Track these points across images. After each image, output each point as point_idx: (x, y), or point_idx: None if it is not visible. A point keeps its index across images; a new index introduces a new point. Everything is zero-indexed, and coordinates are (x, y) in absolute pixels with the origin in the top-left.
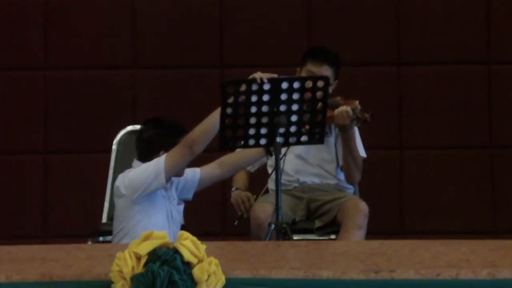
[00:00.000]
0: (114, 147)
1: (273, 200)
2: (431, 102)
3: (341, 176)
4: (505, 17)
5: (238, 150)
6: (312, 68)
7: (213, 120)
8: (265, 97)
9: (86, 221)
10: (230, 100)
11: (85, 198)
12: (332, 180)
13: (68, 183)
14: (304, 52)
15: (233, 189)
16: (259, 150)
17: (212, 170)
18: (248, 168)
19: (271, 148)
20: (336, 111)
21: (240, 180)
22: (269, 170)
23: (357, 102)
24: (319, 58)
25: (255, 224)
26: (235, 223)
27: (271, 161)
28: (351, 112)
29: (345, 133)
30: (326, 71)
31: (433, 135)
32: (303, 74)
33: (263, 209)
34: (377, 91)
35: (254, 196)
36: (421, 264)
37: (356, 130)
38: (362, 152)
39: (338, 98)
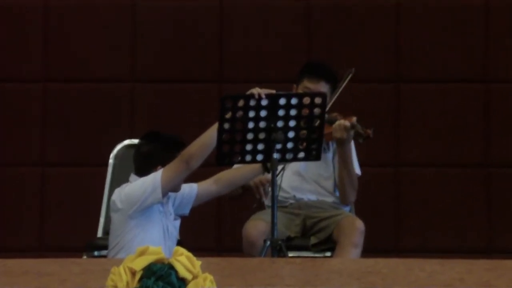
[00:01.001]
0: (111, 161)
1: (266, 218)
2: (427, 120)
3: (338, 193)
4: (503, 36)
5: (235, 165)
6: (309, 84)
7: (210, 135)
8: (263, 113)
9: (82, 235)
10: (228, 115)
11: (81, 211)
12: (329, 198)
13: (64, 196)
14: (301, 68)
15: None
16: (256, 167)
17: (209, 186)
18: (247, 185)
19: (268, 165)
20: (334, 125)
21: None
22: (266, 188)
23: (355, 118)
24: (316, 75)
25: (246, 242)
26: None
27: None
28: (348, 125)
29: (342, 147)
30: (323, 87)
31: (429, 153)
32: (300, 90)
33: (256, 226)
34: (374, 107)
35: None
36: (416, 283)
37: (352, 147)
38: (357, 170)
39: (335, 114)
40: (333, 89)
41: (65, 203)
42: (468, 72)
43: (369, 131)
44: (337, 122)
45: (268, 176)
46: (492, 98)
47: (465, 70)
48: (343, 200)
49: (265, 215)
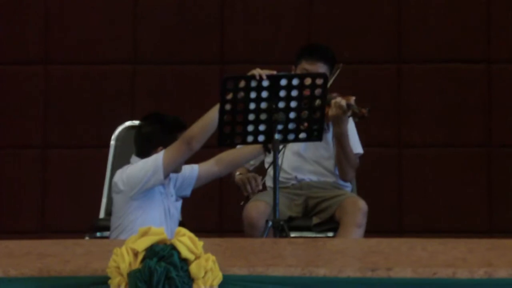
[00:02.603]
0: (112, 142)
1: (266, 198)
2: (430, 101)
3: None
4: (505, 16)
5: (236, 146)
6: (307, 66)
7: (211, 116)
8: (264, 94)
9: (84, 216)
10: (229, 96)
11: (83, 193)
12: (330, 178)
13: (66, 178)
14: (299, 50)
15: (237, 173)
16: (257, 147)
17: (210, 167)
18: (246, 166)
19: (269, 145)
20: (331, 103)
21: (243, 168)
22: (267, 167)
23: (353, 98)
24: (314, 56)
25: (247, 223)
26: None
27: (269, 158)
28: (344, 104)
29: (338, 126)
30: (321, 68)
31: (431, 134)
32: (298, 72)
33: (256, 207)
34: (376, 89)
35: (261, 177)
36: (418, 263)
37: (353, 126)
38: (358, 149)
39: (335, 95)
40: (331, 69)
41: (67, 185)
42: (470, 53)
43: (364, 111)
44: (333, 101)
45: (254, 174)
46: (495, 78)
47: (467, 51)
48: (342, 177)
49: (266, 196)
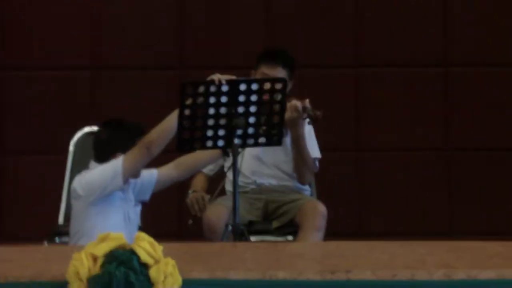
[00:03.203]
0: (71, 148)
1: (226, 203)
2: (388, 104)
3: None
4: (462, 21)
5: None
6: (266, 70)
7: (171, 121)
8: (223, 99)
9: (42, 223)
10: (188, 101)
11: (41, 199)
12: (289, 182)
13: (24, 184)
14: (258, 54)
15: (190, 191)
16: (216, 151)
17: (169, 171)
18: (206, 172)
19: (228, 149)
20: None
21: (198, 183)
22: (228, 172)
23: (307, 100)
24: (273, 61)
25: (207, 227)
26: (189, 223)
27: (228, 163)
28: (299, 106)
29: (294, 130)
30: (280, 73)
31: (390, 137)
32: (258, 76)
33: (216, 212)
34: (335, 92)
35: (209, 196)
36: (377, 265)
37: (311, 130)
38: (316, 153)
39: (292, 98)
40: (291, 73)
41: (25, 191)
42: (427, 56)
43: (319, 113)
44: (289, 104)
45: (203, 193)
46: (452, 82)
47: (425, 55)
48: (299, 180)
49: (226, 200)
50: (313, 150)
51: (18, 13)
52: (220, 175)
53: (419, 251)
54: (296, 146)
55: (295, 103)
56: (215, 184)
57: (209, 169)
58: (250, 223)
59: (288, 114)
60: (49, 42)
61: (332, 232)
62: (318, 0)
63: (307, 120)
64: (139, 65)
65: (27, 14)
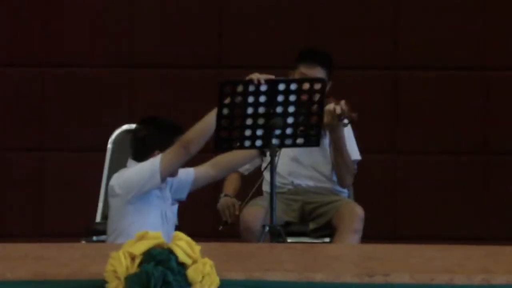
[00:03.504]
0: (109, 145)
1: (263, 203)
2: (426, 107)
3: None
4: (506, 24)
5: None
6: (305, 70)
7: (209, 120)
8: (262, 99)
9: (80, 220)
10: (227, 100)
11: (79, 197)
12: (327, 184)
13: (62, 182)
14: (297, 54)
15: (221, 195)
16: (253, 151)
17: (206, 171)
18: (242, 171)
19: (265, 149)
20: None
21: (230, 185)
22: (264, 173)
23: (343, 101)
24: (311, 61)
25: (244, 227)
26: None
27: (265, 163)
28: (338, 110)
29: (333, 132)
30: (318, 72)
31: (427, 140)
32: (296, 76)
33: (252, 212)
34: (373, 94)
35: (240, 202)
36: (415, 268)
37: (350, 132)
38: (356, 155)
39: (330, 99)
40: (330, 74)
41: (63, 188)
42: (467, 60)
43: (353, 115)
44: (326, 108)
45: (234, 200)
46: (492, 85)
47: (464, 58)
48: (340, 183)
49: (263, 200)
50: (353, 152)
51: (58, 9)
52: (254, 174)
53: (457, 255)
54: (336, 148)
55: (331, 106)
56: (247, 183)
57: (245, 169)
58: (287, 223)
59: (326, 119)
60: (88, 39)
61: (369, 235)
62: (357, 0)
63: (344, 121)
64: (178, 63)
65: (67, 11)
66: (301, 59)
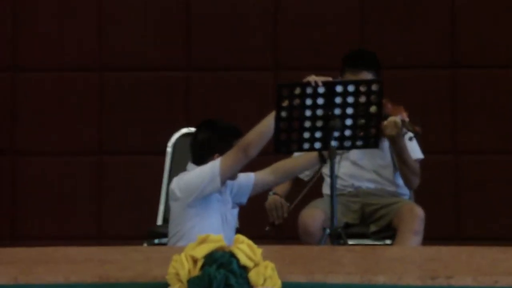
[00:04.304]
0: (168, 149)
1: (321, 206)
2: (487, 106)
3: (399, 181)
4: None
5: (294, 154)
6: (351, 77)
7: (267, 123)
8: (320, 101)
9: (140, 223)
10: (285, 103)
11: (140, 200)
12: (389, 187)
13: (123, 185)
14: (341, 59)
15: (270, 193)
16: (313, 157)
17: (266, 176)
18: (302, 177)
19: (325, 155)
20: (385, 123)
21: (280, 185)
22: (325, 177)
23: (405, 113)
24: (355, 66)
25: (302, 230)
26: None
27: (325, 169)
28: (399, 122)
29: (395, 144)
30: (365, 76)
31: (489, 139)
32: None
33: (311, 214)
34: (431, 94)
35: (288, 204)
36: (478, 271)
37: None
38: (418, 154)
39: (385, 101)
40: (377, 75)
41: (124, 191)
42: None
43: (418, 129)
44: (389, 120)
45: (283, 200)
46: None
47: None
48: (406, 184)
49: (321, 203)
50: (414, 152)
51: (112, 13)
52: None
53: None
54: (399, 157)
55: (394, 119)
56: (300, 187)
57: (305, 174)
58: (347, 225)
59: (389, 131)
60: (145, 43)
61: (429, 236)
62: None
63: (408, 135)
64: (234, 65)
65: (122, 15)
66: (346, 66)
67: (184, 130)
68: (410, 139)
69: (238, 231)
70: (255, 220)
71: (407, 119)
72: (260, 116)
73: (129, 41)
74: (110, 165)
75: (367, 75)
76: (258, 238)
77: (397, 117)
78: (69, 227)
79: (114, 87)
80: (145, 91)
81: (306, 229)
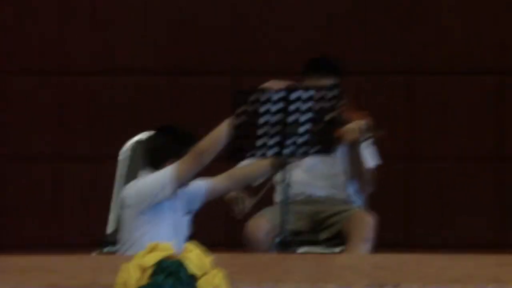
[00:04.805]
0: (120, 157)
1: (269, 215)
2: (439, 113)
3: (350, 189)
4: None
5: (242, 162)
6: (311, 83)
7: (222, 130)
8: (275, 107)
9: (89, 232)
10: (240, 109)
11: (90, 207)
12: (341, 194)
13: (74, 193)
14: (302, 65)
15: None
16: (268, 165)
17: (221, 182)
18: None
19: (279, 162)
20: (346, 127)
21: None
22: (276, 185)
23: (369, 119)
24: (317, 73)
25: (246, 240)
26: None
27: (277, 176)
28: (363, 126)
29: (353, 150)
30: (325, 82)
31: (440, 147)
32: None
33: (256, 225)
34: (385, 100)
35: (249, 200)
36: (426, 278)
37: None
38: (376, 160)
39: (348, 106)
40: (339, 79)
41: (74, 199)
42: (482, 63)
43: (382, 132)
44: (350, 124)
45: (244, 194)
46: (506, 90)
47: (480, 62)
48: (361, 190)
49: (269, 212)
50: (373, 158)
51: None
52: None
53: (468, 265)
54: (353, 165)
55: (357, 124)
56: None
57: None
58: (296, 232)
59: (349, 136)
60: (105, 48)
61: (380, 243)
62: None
63: (366, 142)
64: (190, 70)
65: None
66: (306, 72)
67: (136, 138)
68: (371, 144)
69: (191, 238)
70: (208, 227)
71: (369, 126)
72: (216, 122)
73: (90, 43)
74: (62, 173)
75: (328, 81)
76: (211, 245)
77: (362, 122)
78: (18, 235)
79: (71, 93)
80: (99, 96)
81: (251, 239)
